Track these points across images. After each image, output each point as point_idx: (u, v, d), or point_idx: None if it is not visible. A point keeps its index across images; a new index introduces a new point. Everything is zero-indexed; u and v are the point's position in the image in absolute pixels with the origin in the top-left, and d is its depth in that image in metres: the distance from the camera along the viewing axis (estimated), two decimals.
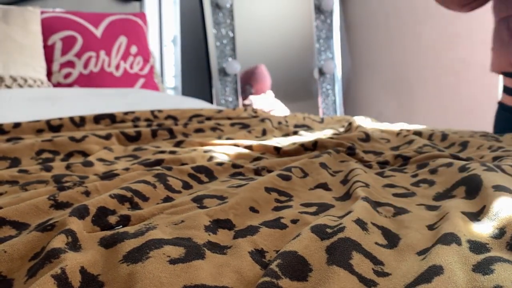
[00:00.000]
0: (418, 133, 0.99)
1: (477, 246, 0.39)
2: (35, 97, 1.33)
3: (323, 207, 0.51)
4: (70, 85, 1.64)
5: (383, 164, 0.77)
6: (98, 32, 1.73)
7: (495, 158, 0.70)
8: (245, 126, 1.09)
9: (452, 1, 1.13)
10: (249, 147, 0.86)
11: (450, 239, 0.38)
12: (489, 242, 0.40)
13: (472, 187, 0.53)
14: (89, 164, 0.71)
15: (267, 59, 2.49)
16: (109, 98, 1.41)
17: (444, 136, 0.94)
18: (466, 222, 0.44)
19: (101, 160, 0.76)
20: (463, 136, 0.91)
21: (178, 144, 0.90)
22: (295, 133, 1.08)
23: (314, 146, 0.85)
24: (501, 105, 1.13)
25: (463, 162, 0.63)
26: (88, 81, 1.66)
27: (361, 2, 2.64)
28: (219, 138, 0.97)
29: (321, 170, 0.67)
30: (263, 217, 0.47)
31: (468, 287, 0.33)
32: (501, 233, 0.41)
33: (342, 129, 1.11)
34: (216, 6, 2.37)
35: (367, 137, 0.95)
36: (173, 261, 0.34)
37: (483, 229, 0.42)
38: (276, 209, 0.51)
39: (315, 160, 0.70)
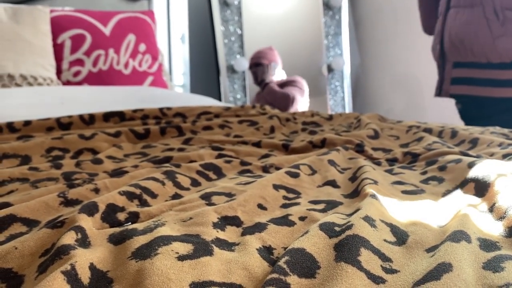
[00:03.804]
0: (428, 130, 0.99)
1: (487, 244, 0.39)
2: (45, 95, 1.34)
3: (331, 204, 0.51)
4: (79, 83, 1.65)
5: (392, 161, 0.76)
6: (107, 30, 1.73)
7: (505, 156, 0.70)
8: (253, 123, 1.09)
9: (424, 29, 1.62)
10: (257, 144, 0.86)
11: (459, 236, 0.38)
12: (499, 240, 0.40)
13: (481, 184, 0.53)
14: (98, 161, 0.71)
15: None
16: (118, 96, 1.42)
17: (454, 133, 0.93)
18: (476, 219, 0.43)
19: (110, 157, 0.76)
20: (473, 133, 0.90)
21: (187, 141, 0.90)
22: (304, 130, 1.08)
23: (323, 143, 0.85)
24: None
25: (472, 159, 0.63)
26: (97, 79, 1.67)
27: None
28: (228, 135, 0.97)
29: (330, 167, 0.66)
30: (271, 214, 0.47)
31: (478, 284, 0.33)
32: (511, 231, 0.41)
33: (351, 126, 1.11)
34: (224, 3, 2.37)
35: (376, 134, 0.94)
36: (181, 258, 0.34)
37: (493, 227, 0.42)
38: (284, 206, 0.51)
39: (324, 157, 0.69)
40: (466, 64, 1.33)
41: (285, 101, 2.26)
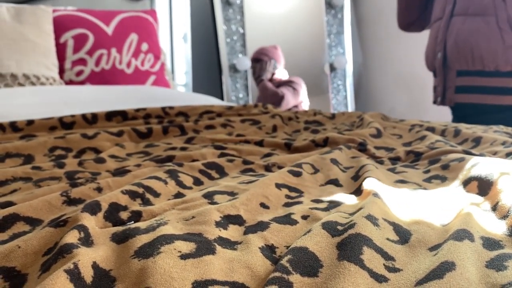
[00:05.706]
0: (430, 129, 0.98)
1: (490, 243, 0.39)
2: (48, 94, 1.34)
3: (333, 203, 0.51)
4: (82, 82, 1.66)
5: (394, 160, 0.76)
6: (109, 29, 1.74)
7: (508, 154, 0.69)
8: (255, 123, 1.09)
9: (399, 24, 1.66)
10: (259, 143, 0.86)
11: (462, 235, 0.38)
12: (502, 239, 0.40)
13: (484, 183, 0.53)
14: (101, 160, 0.71)
15: None
16: (120, 95, 1.42)
17: (457, 132, 0.93)
18: (479, 218, 0.43)
19: (113, 156, 0.76)
20: (476, 132, 0.90)
21: (189, 140, 0.90)
22: (306, 129, 1.08)
23: (325, 142, 0.85)
24: None
25: (475, 157, 0.62)
26: (99, 78, 1.67)
27: None
28: (230, 134, 0.97)
29: (332, 166, 0.66)
30: (273, 213, 0.47)
31: (481, 283, 0.33)
32: None
33: (353, 125, 1.11)
34: (226, 3, 2.37)
35: (378, 133, 0.94)
36: (184, 256, 0.34)
37: (497, 226, 0.42)
38: (287, 205, 0.51)
39: (326, 156, 0.69)
40: (472, 73, 1.32)
41: (275, 99, 2.27)
